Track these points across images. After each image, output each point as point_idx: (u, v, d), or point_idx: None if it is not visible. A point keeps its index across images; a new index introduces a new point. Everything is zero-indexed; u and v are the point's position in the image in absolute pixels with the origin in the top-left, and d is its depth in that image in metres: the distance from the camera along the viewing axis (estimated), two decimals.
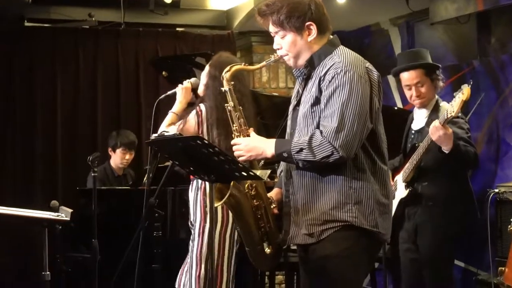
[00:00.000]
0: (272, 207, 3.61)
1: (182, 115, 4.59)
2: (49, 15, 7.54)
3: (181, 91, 4.64)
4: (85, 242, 5.42)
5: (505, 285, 4.36)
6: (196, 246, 4.54)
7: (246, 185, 3.58)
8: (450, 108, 4.73)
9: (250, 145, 3.50)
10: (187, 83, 4.65)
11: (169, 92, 4.66)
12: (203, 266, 4.49)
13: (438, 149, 4.82)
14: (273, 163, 5.49)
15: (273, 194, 3.66)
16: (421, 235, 5.12)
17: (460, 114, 5.03)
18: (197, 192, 4.59)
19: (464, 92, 4.71)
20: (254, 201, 3.58)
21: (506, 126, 6.31)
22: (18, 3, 6.40)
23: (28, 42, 7.42)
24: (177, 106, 4.60)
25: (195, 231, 4.57)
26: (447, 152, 4.77)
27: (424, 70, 5.11)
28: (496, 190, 5.56)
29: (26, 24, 7.50)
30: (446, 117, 4.75)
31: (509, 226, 4.46)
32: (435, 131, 4.76)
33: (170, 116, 4.59)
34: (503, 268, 4.44)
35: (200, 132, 4.50)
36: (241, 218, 3.61)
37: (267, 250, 3.61)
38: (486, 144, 6.41)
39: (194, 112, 4.57)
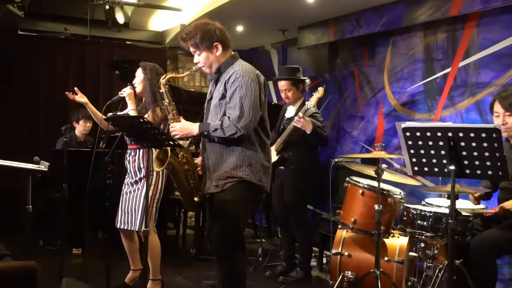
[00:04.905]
0: (197, 169, 3.59)
1: (138, 110, 4.38)
2: (36, 27, 7.26)
3: (129, 96, 4.40)
4: (58, 186, 5.24)
5: (340, 222, 4.44)
6: (151, 192, 4.22)
7: (180, 155, 3.55)
8: (309, 102, 4.88)
9: (183, 127, 3.47)
10: (130, 90, 4.43)
11: (114, 98, 4.43)
12: (155, 205, 4.32)
13: (303, 132, 4.90)
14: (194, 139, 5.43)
15: (198, 160, 3.63)
16: (286, 189, 5.19)
17: (318, 111, 5.12)
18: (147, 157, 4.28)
19: (319, 91, 4.86)
20: (185, 166, 3.56)
21: (344, 118, 6.42)
22: (14, 17, 6.09)
23: (21, 46, 7.15)
24: (132, 105, 4.39)
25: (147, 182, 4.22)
26: (309, 133, 4.87)
27: (290, 82, 5.15)
28: (336, 160, 5.66)
29: (20, 32, 7.19)
30: (306, 109, 4.89)
31: (344, 184, 4.53)
32: (298, 120, 4.84)
33: (132, 113, 4.33)
34: (339, 211, 4.52)
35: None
36: (177, 178, 3.58)
37: (196, 199, 3.60)
38: (331, 129, 6.50)
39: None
